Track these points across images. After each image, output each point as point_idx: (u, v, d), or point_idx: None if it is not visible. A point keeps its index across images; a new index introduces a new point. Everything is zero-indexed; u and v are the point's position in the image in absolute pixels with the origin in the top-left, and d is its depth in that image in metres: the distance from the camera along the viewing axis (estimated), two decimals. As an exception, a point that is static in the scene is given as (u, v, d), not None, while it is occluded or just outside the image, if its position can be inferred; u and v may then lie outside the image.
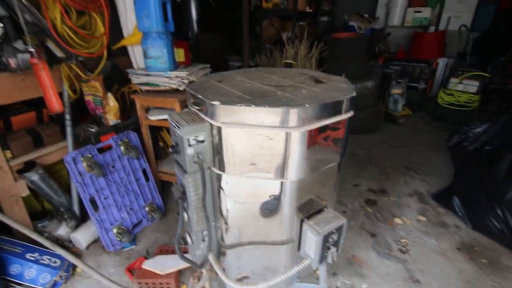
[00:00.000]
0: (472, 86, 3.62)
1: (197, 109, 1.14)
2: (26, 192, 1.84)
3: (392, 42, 5.06)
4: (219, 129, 1.07)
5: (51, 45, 1.57)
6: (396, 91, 4.25)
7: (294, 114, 0.98)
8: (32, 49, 1.41)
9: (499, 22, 4.43)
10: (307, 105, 0.99)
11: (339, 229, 1.22)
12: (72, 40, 1.67)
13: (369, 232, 2.11)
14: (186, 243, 1.37)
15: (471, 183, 2.20)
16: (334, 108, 1.07)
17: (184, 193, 1.20)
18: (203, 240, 1.34)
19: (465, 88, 3.68)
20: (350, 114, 1.15)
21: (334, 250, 1.24)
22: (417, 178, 2.81)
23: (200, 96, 1.10)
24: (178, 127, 1.07)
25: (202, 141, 1.10)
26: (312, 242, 1.20)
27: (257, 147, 1.06)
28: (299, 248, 1.31)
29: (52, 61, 1.64)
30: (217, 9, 6.30)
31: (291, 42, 3.45)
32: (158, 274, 1.64)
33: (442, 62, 4.64)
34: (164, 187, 2.51)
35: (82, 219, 2.09)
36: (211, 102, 1.03)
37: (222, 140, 1.09)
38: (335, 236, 1.21)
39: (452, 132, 2.87)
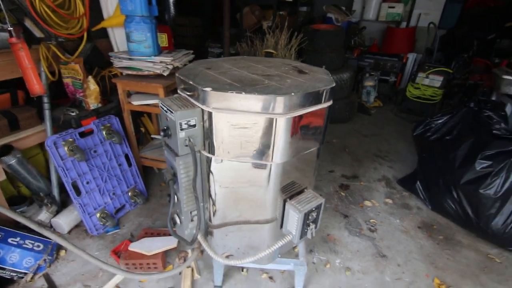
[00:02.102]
0: (437, 80, 3.91)
1: (188, 94, 1.18)
2: (2, 177, 1.78)
3: (367, 35, 5.26)
4: (210, 114, 1.13)
5: (29, 24, 1.50)
6: (369, 83, 4.48)
7: (281, 101, 1.06)
8: (10, 28, 1.36)
9: (463, 21, 4.76)
10: (292, 94, 1.08)
11: (318, 208, 1.34)
12: (51, 20, 1.61)
13: (342, 214, 2.29)
14: (175, 223, 1.43)
15: (432, 169, 2.44)
16: (316, 97, 1.17)
17: (174, 175, 1.26)
18: (192, 220, 1.41)
19: (431, 83, 3.97)
20: (330, 103, 1.26)
21: (313, 227, 1.37)
22: (385, 165, 3.04)
23: (191, 82, 1.14)
24: (171, 112, 1.12)
25: (194, 126, 1.16)
26: (294, 219, 1.31)
27: (246, 131, 1.13)
28: (281, 226, 1.43)
29: (29, 41, 1.58)
30: (197, -8, 6.13)
31: (272, 32, 3.49)
32: (145, 255, 1.70)
33: (411, 57, 4.92)
34: (146, 172, 2.52)
35: (61, 204, 2.07)
36: (203, 88, 1.08)
37: (213, 125, 1.15)
38: (314, 214, 1.34)
39: (417, 123, 3.12)
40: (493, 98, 3.08)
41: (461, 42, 4.47)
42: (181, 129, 1.13)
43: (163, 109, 1.19)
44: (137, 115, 2.53)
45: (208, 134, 1.19)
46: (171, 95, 2.16)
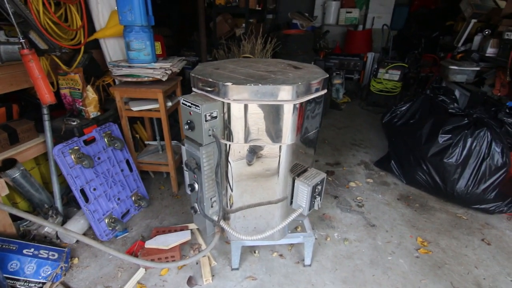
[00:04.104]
0: (396, 74, 4.41)
1: (208, 90, 1.34)
2: (5, 191, 1.76)
3: (330, 39, 5.72)
4: (228, 106, 1.30)
5: (33, 36, 1.55)
6: (337, 81, 4.88)
7: (291, 90, 1.27)
8: (22, 40, 1.41)
9: (411, 22, 5.40)
10: (299, 83, 1.29)
11: (321, 182, 1.56)
12: (53, 32, 1.66)
13: (332, 195, 2.55)
14: (195, 211, 1.56)
15: (403, 149, 2.80)
16: (316, 86, 1.39)
17: (197, 164, 1.40)
18: (212, 206, 1.55)
19: (390, 77, 4.45)
20: (325, 91, 1.50)
21: (319, 199, 1.58)
22: (361, 151, 3.38)
23: (211, 80, 1.31)
24: (196, 106, 1.27)
25: (215, 117, 1.32)
26: (303, 193, 1.52)
27: (260, 118, 1.32)
28: (291, 203, 1.62)
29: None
30: (163, 3, 6.24)
31: (248, 38, 3.72)
32: (163, 250, 1.78)
33: (370, 56, 5.45)
34: (143, 177, 2.56)
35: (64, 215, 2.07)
36: (224, 83, 1.25)
37: (231, 115, 1.32)
38: (319, 187, 1.56)
39: (384, 112, 3.52)
40: (443, 85, 3.57)
41: (410, 40, 5.07)
42: (206, 121, 1.28)
43: (185, 105, 1.33)
44: (130, 123, 2.59)
45: (226, 124, 1.36)
46: (167, 99, 2.28)
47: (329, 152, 3.34)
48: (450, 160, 2.25)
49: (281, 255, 1.91)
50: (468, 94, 3.19)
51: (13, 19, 1.39)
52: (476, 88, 3.26)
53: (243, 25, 4.52)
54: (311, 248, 1.77)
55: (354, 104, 5.05)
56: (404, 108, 3.26)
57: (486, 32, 3.55)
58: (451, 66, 3.41)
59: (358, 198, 2.52)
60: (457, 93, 3.27)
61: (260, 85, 1.24)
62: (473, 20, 3.74)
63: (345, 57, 5.35)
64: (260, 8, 4.58)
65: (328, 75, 1.48)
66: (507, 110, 2.41)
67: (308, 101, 1.38)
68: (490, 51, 3.33)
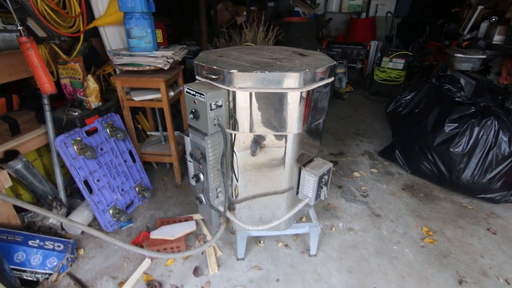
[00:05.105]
0: (400, 63, 4.34)
1: (212, 78, 1.30)
2: (9, 183, 1.75)
3: (332, 27, 5.61)
4: (234, 94, 1.27)
5: (31, 24, 1.51)
6: (340, 70, 4.81)
7: (298, 77, 1.23)
8: (20, 27, 1.36)
9: (415, 9, 5.29)
10: (307, 70, 1.25)
11: (328, 172, 1.54)
12: (52, 19, 1.61)
13: (336, 185, 2.53)
14: (201, 202, 1.54)
15: (408, 139, 2.77)
16: (324, 73, 1.35)
17: (202, 154, 1.37)
18: (217, 196, 1.53)
19: (394, 65, 4.38)
20: (332, 78, 1.46)
21: (325, 189, 1.57)
22: (365, 141, 3.35)
23: (216, 67, 1.27)
24: (201, 94, 1.24)
25: (220, 106, 1.29)
26: (310, 183, 1.50)
27: (266, 106, 1.29)
28: (297, 193, 1.61)
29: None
30: (163, -7, 6.07)
31: (249, 26, 3.64)
32: (168, 240, 1.78)
33: (373, 44, 5.35)
34: (146, 168, 2.54)
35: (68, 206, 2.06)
36: (230, 71, 1.22)
37: (236, 104, 1.29)
38: (326, 177, 1.54)
39: (388, 101, 3.48)
40: (448, 74, 3.52)
41: (415, 28, 4.97)
42: (211, 109, 1.25)
43: (190, 93, 1.30)
44: (132, 113, 2.55)
45: (232, 113, 1.32)
46: (170, 89, 2.24)
47: (333, 142, 3.31)
48: (456, 149, 2.23)
49: (286, 245, 1.91)
50: (474, 82, 3.14)
51: (9, 5, 1.35)
52: (482, 76, 3.20)
53: (244, 13, 4.43)
54: (317, 238, 1.76)
55: (357, 93, 4.99)
56: (409, 97, 3.23)
57: (493, 19, 3.47)
58: (457, 54, 3.34)
59: (362, 188, 2.51)
60: (462, 81, 3.21)
61: (266, 72, 1.20)
62: (480, 7, 3.65)
63: (348, 45, 5.26)
64: (261, -5, 4.47)
65: (335, 62, 1.44)
66: (515, 99, 2.37)
67: (315, 89, 1.34)
68: (497, 38, 3.26)
